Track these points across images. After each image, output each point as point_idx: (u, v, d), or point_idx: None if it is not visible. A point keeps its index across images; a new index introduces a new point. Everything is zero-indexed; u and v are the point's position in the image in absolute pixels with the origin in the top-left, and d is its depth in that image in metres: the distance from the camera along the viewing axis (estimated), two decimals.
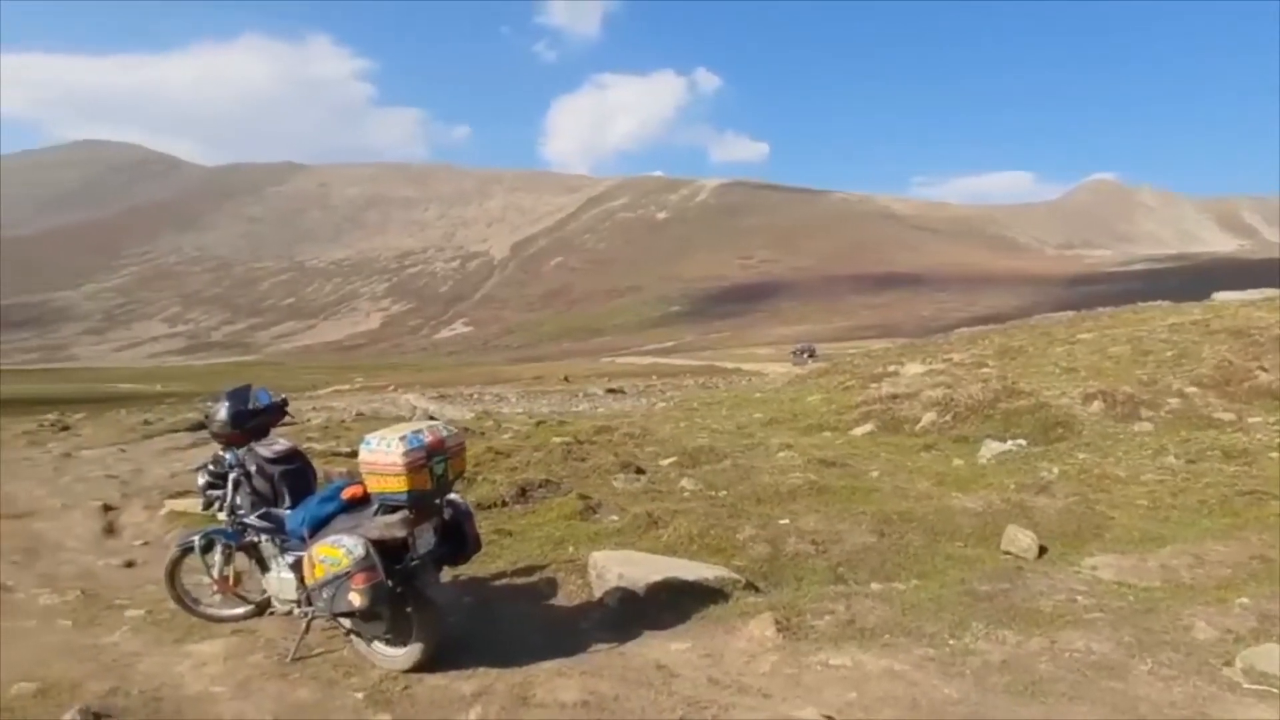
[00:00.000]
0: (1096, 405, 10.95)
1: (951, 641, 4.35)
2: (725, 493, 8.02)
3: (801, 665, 4.11)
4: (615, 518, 7.12)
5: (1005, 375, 13.40)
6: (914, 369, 15.68)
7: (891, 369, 16.72)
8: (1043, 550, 6.01)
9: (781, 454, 10.09)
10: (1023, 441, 9.86)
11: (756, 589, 5.31)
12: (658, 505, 7.36)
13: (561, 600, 5.27)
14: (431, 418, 16.85)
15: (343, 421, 17.25)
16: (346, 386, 49.48)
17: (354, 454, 10.29)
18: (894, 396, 12.75)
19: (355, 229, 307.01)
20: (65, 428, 16.78)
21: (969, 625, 4.52)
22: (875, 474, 8.85)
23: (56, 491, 9.34)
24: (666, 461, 9.86)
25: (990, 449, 9.57)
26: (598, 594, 5.18)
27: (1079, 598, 4.99)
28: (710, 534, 6.37)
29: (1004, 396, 11.42)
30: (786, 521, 6.70)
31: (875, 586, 5.36)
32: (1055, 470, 8.57)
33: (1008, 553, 5.99)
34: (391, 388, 43.81)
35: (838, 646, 4.31)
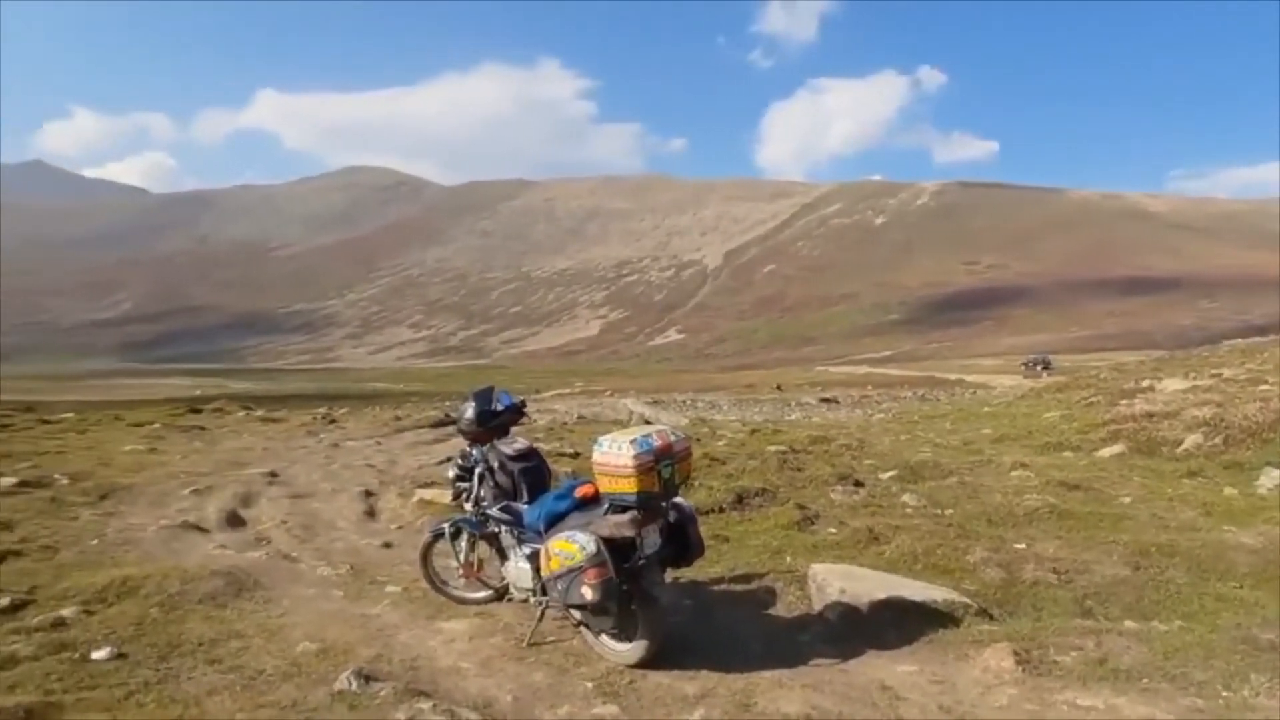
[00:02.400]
0: None
1: (1225, 694, 3.84)
2: (952, 511, 7.61)
3: (1045, 703, 3.81)
4: (834, 530, 6.98)
5: None
6: (1173, 384, 14.05)
7: (1145, 384, 15.07)
8: None
9: (1015, 473, 9.41)
10: None
11: (990, 616, 4.99)
12: (878, 520, 7.14)
13: (780, 610, 5.23)
14: (648, 423, 17.35)
15: (565, 424, 18.22)
16: (567, 390, 52.10)
17: (577, 455, 10.87)
18: (1149, 415, 11.50)
19: (576, 240, 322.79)
20: (333, 421, 19.04)
21: (1247, 677, 3.97)
22: (1127, 500, 8.03)
23: (327, 476, 10.62)
24: (886, 475, 9.52)
25: (1272, 478, 8.38)
26: (817, 607, 5.09)
27: None
28: (936, 553, 6.07)
29: None
30: (1023, 546, 6.24)
31: (1130, 625, 4.85)
32: None
33: None
34: (609, 393, 45.57)
35: (1086, 686, 3.95)
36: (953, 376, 56.61)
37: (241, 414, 21.11)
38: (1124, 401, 13.34)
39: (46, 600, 5.16)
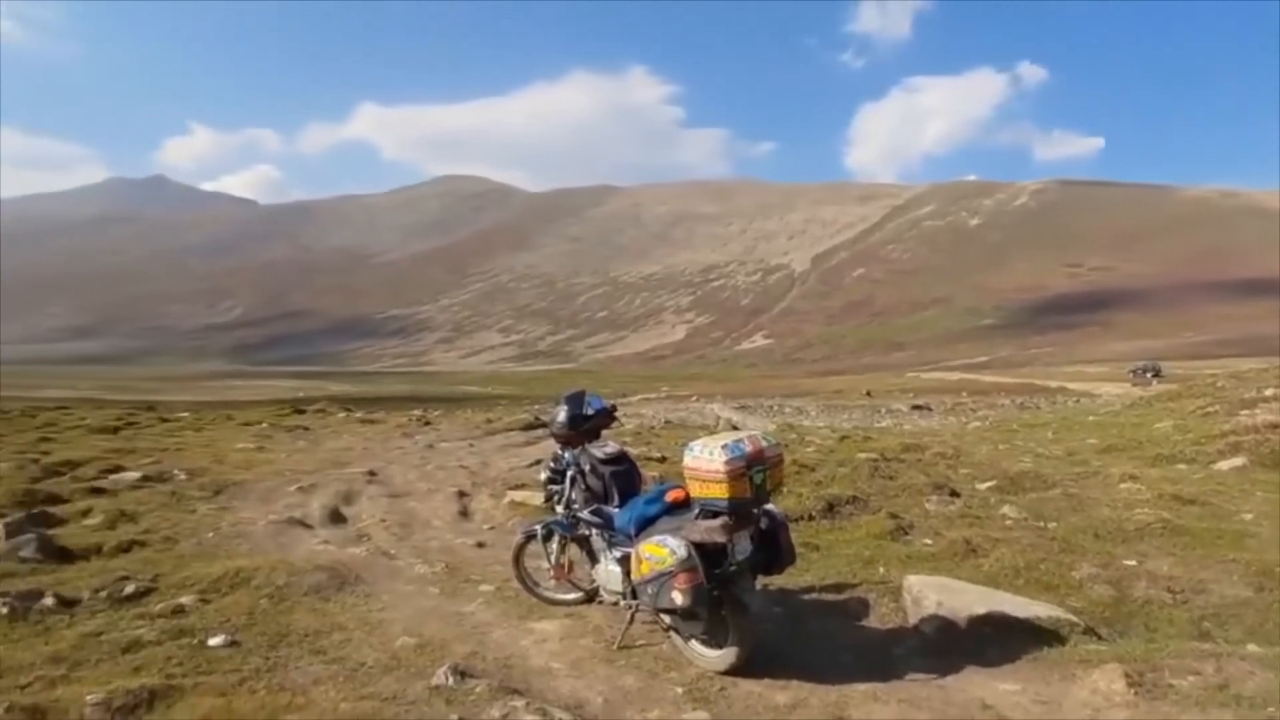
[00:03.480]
0: None
1: None
2: (1055, 524, 7.30)
3: None
4: (929, 541, 6.79)
5: None
6: None
7: (1268, 392, 14.12)
8: None
9: (1124, 486, 8.96)
10: None
11: (1098, 635, 4.76)
12: (976, 532, 6.91)
13: (873, 622, 5.11)
14: (735, 428, 17.24)
15: (652, 428, 18.27)
16: (653, 395, 52.25)
17: (664, 459, 10.88)
18: (1273, 426, 10.76)
19: (663, 245, 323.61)
20: (427, 423, 19.59)
21: None
22: (1248, 516, 7.54)
23: (423, 477, 10.94)
24: (984, 485, 9.20)
25: None
26: (913, 620, 4.96)
27: None
28: (1039, 568, 5.84)
29: None
30: (1133, 563, 5.94)
31: (1253, 649, 4.54)
32: None
33: None
34: (695, 397, 45.50)
35: (1205, 713, 3.72)
36: (1054, 384, 54.26)
37: (342, 415, 21.98)
38: (1244, 411, 12.54)
39: (167, 588, 5.48)
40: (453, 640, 4.68)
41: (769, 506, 4.40)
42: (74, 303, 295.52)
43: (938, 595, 4.94)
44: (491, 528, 8.08)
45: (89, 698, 3.59)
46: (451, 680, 3.96)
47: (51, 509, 7.97)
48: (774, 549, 4.36)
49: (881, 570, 5.99)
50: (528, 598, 5.50)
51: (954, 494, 8.57)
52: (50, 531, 6.81)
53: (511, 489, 9.31)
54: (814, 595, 5.55)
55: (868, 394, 46.17)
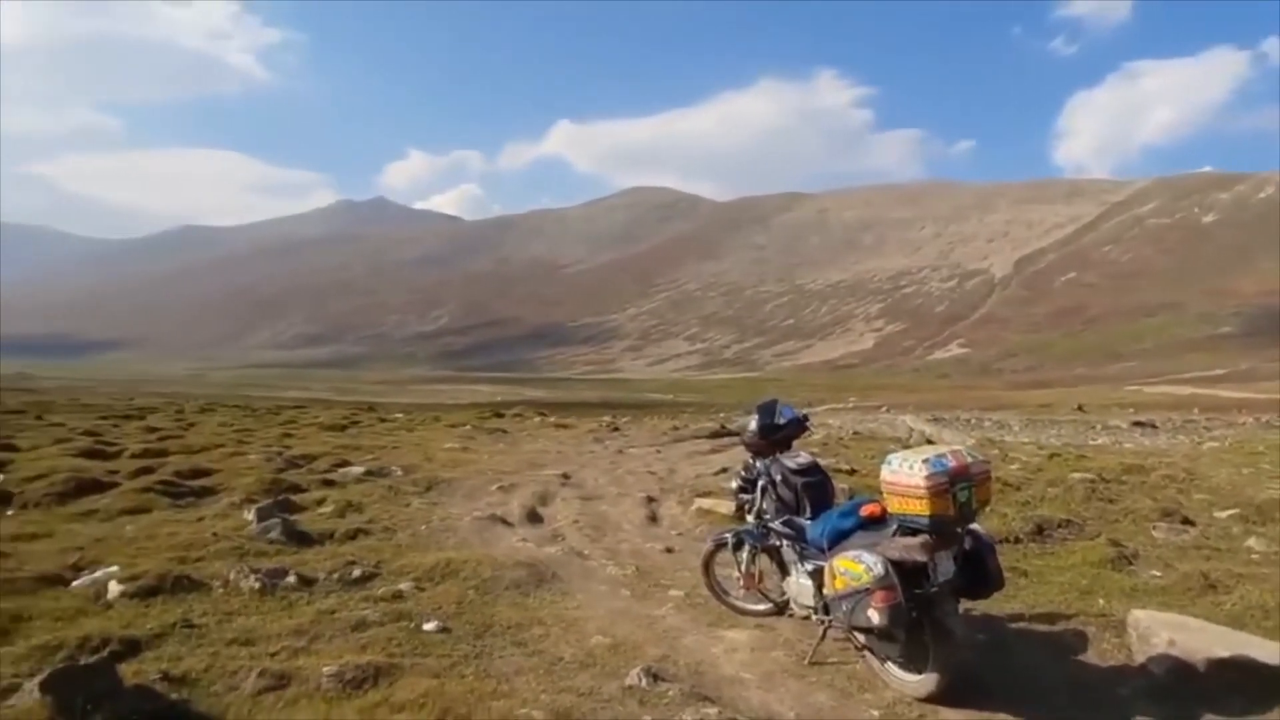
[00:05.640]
0: None
1: None
2: None
3: None
4: (1157, 573, 6.15)
5: None
6: None
7: None
8: None
9: None
10: None
11: None
12: (1214, 565, 6.19)
13: (1092, 658, 4.69)
14: (929, 441, 16.44)
15: (840, 439, 17.80)
16: (840, 405, 50.90)
17: (853, 471, 10.58)
18: None
19: (851, 251, 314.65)
20: (616, 429, 20.20)
21: None
22: None
23: (613, 481, 11.28)
24: (1224, 514, 8.23)
25: None
26: (1139, 658, 4.51)
27: None
28: None
29: None
30: None
31: None
32: None
33: None
34: (884, 408, 43.87)
35: None
36: None
37: (537, 419, 23.11)
38: None
39: (388, 575, 5.99)
40: (645, 642, 4.78)
41: (974, 526, 4.16)
42: (308, 313, 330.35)
43: (1170, 633, 4.45)
44: (680, 534, 8.18)
45: (325, 669, 3.99)
46: (644, 682, 4.05)
47: (293, 497, 8.95)
48: (979, 572, 4.11)
49: (1101, 602, 5.50)
50: (717, 605, 5.52)
51: (1187, 522, 7.73)
52: (292, 517, 7.64)
53: (699, 496, 9.39)
54: (1022, 624, 5.18)
55: (1080, 408, 42.49)
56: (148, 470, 10.79)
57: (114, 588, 5.33)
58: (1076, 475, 10.02)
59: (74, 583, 5.57)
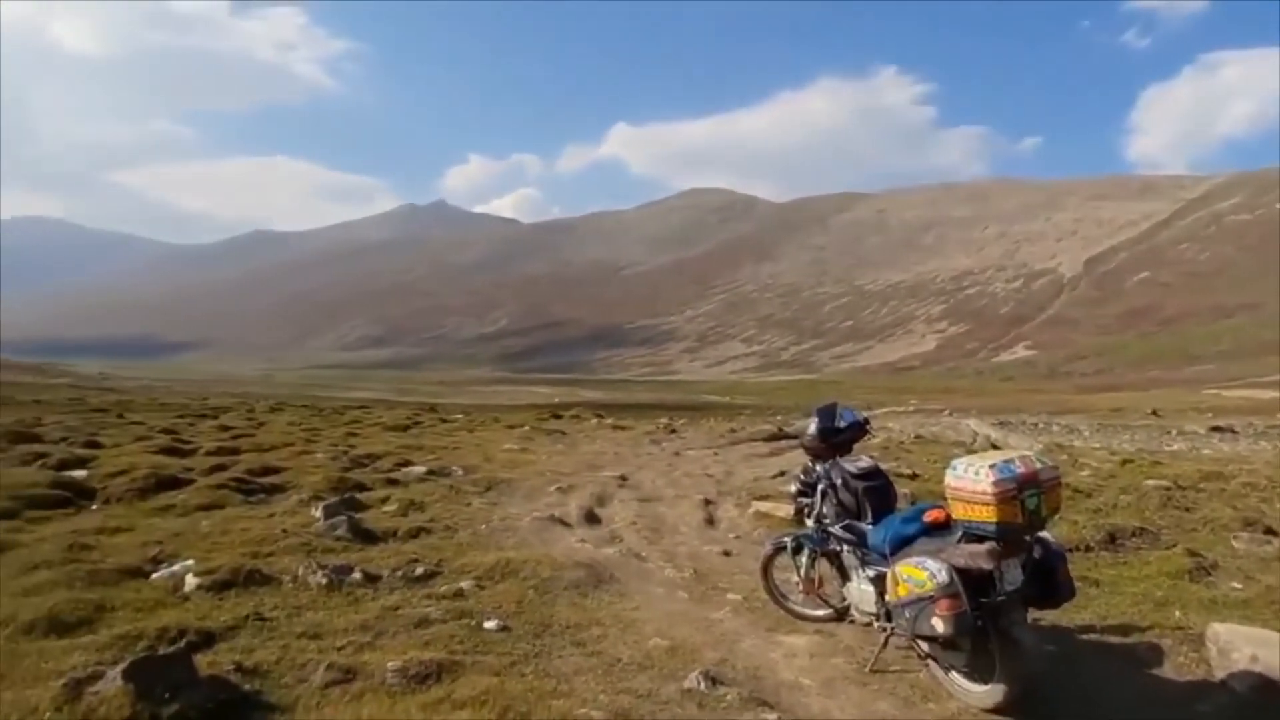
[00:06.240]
0: None
1: None
2: None
3: None
4: (1238, 585, 5.90)
5: None
6: None
7: None
8: None
9: None
10: None
11: None
12: None
13: (1168, 672, 4.52)
14: (994, 446, 16.04)
15: (901, 443, 17.48)
16: (901, 408, 49.99)
17: (915, 476, 10.39)
18: None
19: (911, 251, 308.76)
20: (673, 431, 20.20)
21: None
22: None
23: (670, 483, 11.28)
24: None
25: None
26: (1219, 674, 4.33)
27: None
28: None
29: None
30: None
31: None
32: None
33: None
34: (947, 412, 42.96)
35: None
36: None
37: (594, 421, 23.25)
38: None
39: (450, 573, 6.09)
40: (703, 646, 4.76)
41: (1044, 534, 4.04)
42: (371, 315, 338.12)
43: (1253, 648, 4.27)
44: (737, 537, 8.14)
45: (389, 664, 4.08)
46: (703, 685, 4.04)
47: (358, 495, 9.17)
48: (1049, 581, 3.99)
49: (1178, 614, 5.29)
50: (775, 610, 5.47)
51: (1270, 532, 7.38)
52: (357, 515, 7.83)
53: (756, 499, 9.34)
54: (1094, 636, 5.01)
55: (1153, 413, 40.93)
56: (221, 468, 11.20)
57: (190, 580, 5.54)
58: (1151, 482, 9.68)
59: (153, 575, 5.81)
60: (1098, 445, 20.61)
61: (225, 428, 19.22)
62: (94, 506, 8.82)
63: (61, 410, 26.04)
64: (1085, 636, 5.00)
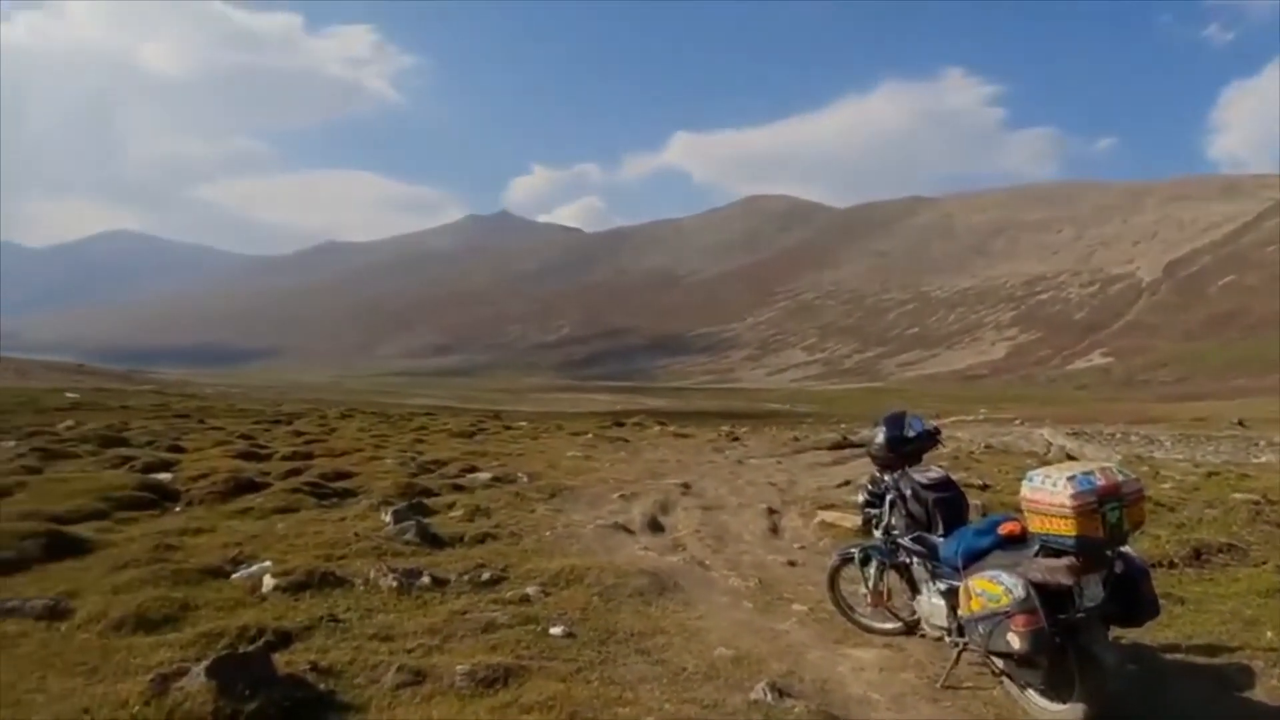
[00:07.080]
0: None
1: None
2: None
3: None
4: None
5: None
6: None
7: None
8: None
9: None
10: None
11: None
12: None
13: (1259, 695, 4.31)
14: (1070, 457, 15.53)
15: (971, 453, 17.07)
16: (969, 417, 48.78)
17: (986, 487, 10.13)
18: None
19: (979, 257, 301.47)
20: (735, 439, 20.08)
21: None
22: None
23: (734, 491, 11.22)
24: None
25: None
26: None
27: None
28: None
29: None
30: None
31: None
32: None
33: None
34: (1019, 421, 41.77)
35: None
36: None
37: (656, 429, 23.27)
38: None
39: (515, 578, 6.16)
40: (768, 657, 4.72)
41: (1125, 549, 3.90)
42: (437, 323, 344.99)
43: None
44: (802, 547, 8.05)
45: (458, 667, 4.14)
46: (769, 697, 3.99)
47: (425, 501, 9.36)
48: (1131, 598, 3.85)
49: (1269, 635, 5.05)
50: (842, 622, 5.40)
51: None
52: (425, 520, 7.98)
53: (821, 509, 9.22)
54: (1179, 655, 4.82)
55: (1239, 423, 39.13)
56: (296, 472, 11.56)
57: (268, 581, 5.72)
58: (1239, 495, 9.26)
59: (233, 575, 6.03)
60: (1180, 457, 19.79)
61: (299, 433, 19.84)
62: (178, 508, 9.19)
63: (146, 415, 27.22)
64: (1170, 656, 4.81)
